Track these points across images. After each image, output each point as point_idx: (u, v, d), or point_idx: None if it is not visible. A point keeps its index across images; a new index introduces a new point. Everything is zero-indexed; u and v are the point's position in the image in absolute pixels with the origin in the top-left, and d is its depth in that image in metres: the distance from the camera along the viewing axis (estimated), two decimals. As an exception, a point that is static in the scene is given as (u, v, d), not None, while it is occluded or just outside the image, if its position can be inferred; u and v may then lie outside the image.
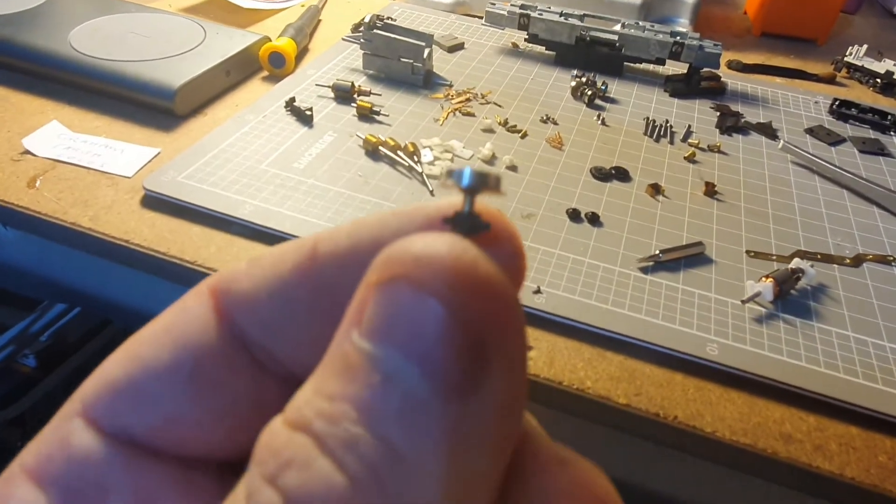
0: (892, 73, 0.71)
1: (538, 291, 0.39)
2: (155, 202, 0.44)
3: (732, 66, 0.73)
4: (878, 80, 0.71)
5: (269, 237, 0.42)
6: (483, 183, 0.11)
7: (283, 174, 0.47)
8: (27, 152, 0.47)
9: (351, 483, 0.09)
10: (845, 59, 0.74)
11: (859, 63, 0.73)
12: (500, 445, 0.10)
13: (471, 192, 0.12)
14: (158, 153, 0.48)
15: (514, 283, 0.12)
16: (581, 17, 0.67)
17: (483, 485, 0.10)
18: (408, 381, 0.10)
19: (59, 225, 0.41)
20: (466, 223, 0.11)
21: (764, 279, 0.41)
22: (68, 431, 0.13)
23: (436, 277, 0.10)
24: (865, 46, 0.74)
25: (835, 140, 0.60)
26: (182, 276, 0.40)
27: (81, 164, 0.46)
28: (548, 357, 0.36)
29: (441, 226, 0.12)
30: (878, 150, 0.59)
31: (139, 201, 0.44)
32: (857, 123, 0.63)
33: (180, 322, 0.13)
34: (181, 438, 0.13)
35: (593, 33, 0.66)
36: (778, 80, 0.72)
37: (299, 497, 0.09)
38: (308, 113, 0.53)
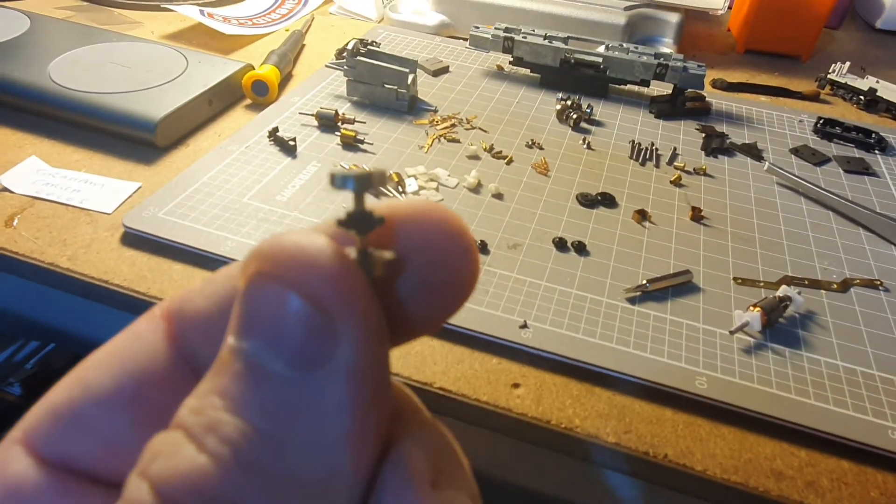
0: (875, 90, 0.71)
1: (525, 326, 0.39)
2: (135, 239, 0.43)
3: (717, 84, 0.73)
4: (862, 97, 0.72)
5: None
6: (366, 184, 0.12)
7: (266, 207, 0.46)
8: (5, 189, 0.46)
9: (213, 461, 0.10)
10: (828, 76, 0.75)
11: (842, 80, 0.74)
12: (363, 409, 0.11)
13: (357, 192, 0.12)
14: (139, 188, 0.48)
15: (469, 259, 0.13)
16: (565, 40, 0.67)
17: (351, 452, 0.11)
18: (266, 363, 0.11)
19: (36, 266, 0.41)
20: (358, 222, 0.12)
21: (751, 308, 0.40)
22: (6, 459, 0.13)
23: (282, 268, 0.11)
24: (848, 63, 0.74)
25: (820, 160, 0.60)
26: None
27: (60, 201, 0.46)
28: (536, 395, 0.36)
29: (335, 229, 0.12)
30: (862, 170, 0.59)
31: (119, 239, 0.43)
32: (842, 142, 0.64)
33: (128, 346, 0.13)
34: (123, 465, 0.12)
35: (578, 55, 0.66)
36: (762, 98, 0.72)
37: (164, 481, 0.10)
38: (291, 143, 0.52)
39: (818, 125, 0.65)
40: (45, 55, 0.58)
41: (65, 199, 0.46)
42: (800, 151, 0.61)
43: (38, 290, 0.44)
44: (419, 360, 0.37)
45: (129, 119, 0.52)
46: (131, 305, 0.40)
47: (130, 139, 0.52)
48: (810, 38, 0.82)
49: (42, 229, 0.43)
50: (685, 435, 0.35)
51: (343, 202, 0.48)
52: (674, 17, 0.77)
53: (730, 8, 0.91)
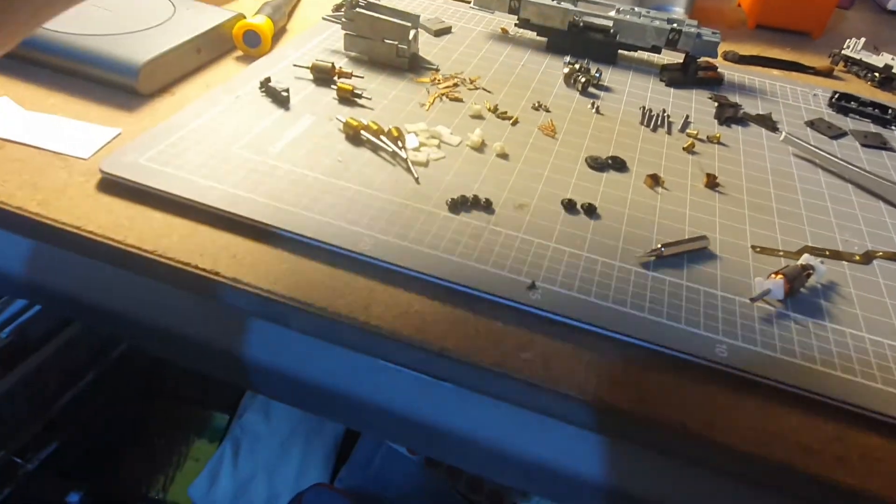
0: (891, 67, 0.69)
1: (533, 287, 0.36)
2: (113, 186, 0.40)
3: (728, 57, 0.71)
4: (877, 75, 0.69)
5: (238, 225, 0.38)
6: None
7: (256, 158, 0.43)
8: (-28, 130, 0.43)
9: None
10: (843, 52, 0.72)
11: (857, 56, 0.71)
12: None
13: None
14: (119, 134, 0.44)
15: None
16: (574, 2, 0.64)
17: None
18: None
19: (2, 209, 0.37)
20: None
21: (773, 276, 0.38)
22: None
23: None
24: (863, 40, 0.72)
25: (836, 133, 0.58)
26: (141, 267, 0.36)
27: (33, 144, 0.42)
28: (543, 359, 0.33)
29: None
30: (880, 145, 0.57)
31: (95, 185, 0.40)
32: (858, 117, 0.61)
33: None
34: None
35: (587, 19, 0.63)
36: (775, 72, 0.70)
37: None
38: (284, 94, 0.49)
39: (833, 99, 0.62)
40: (21, -5, 0.54)
41: (38, 142, 0.42)
42: (815, 124, 0.59)
43: (16, 244, 0.41)
44: (419, 321, 0.34)
45: (111, 63, 0.48)
46: (107, 255, 0.37)
47: (111, 85, 0.49)
48: (823, 16, 0.79)
49: (11, 173, 0.40)
50: (704, 404, 0.32)
51: (339, 156, 0.45)
52: (685, -13, 0.74)
53: (740, -17, 0.88)
